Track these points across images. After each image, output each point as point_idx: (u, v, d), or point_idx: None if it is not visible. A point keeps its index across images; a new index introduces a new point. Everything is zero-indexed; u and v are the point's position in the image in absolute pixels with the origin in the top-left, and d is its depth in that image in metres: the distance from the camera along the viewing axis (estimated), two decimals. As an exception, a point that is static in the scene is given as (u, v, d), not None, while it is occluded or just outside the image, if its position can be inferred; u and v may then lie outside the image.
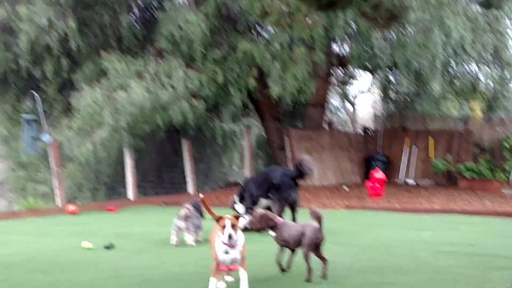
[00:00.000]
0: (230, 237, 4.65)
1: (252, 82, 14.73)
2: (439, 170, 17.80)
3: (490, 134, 17.76)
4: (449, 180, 17.90)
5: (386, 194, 14.94)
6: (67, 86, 15.00)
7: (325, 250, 7.00)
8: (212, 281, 4.75)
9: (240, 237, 4.81)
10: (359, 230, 9.38)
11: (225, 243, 4.71)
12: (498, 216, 11.11)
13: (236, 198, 9.50)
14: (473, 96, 19.96)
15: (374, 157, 18.99)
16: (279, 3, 10.27)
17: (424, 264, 6.31)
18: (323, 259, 5.53)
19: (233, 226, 4.70)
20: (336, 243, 7.63)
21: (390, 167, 19.08)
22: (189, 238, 7.70)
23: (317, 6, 7.92)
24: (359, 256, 6.80)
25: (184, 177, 15.37)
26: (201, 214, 8.25)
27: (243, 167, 17.43)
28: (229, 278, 5.29)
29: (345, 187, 16.99)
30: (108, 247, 7.70)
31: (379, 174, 14.52)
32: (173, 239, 7.77)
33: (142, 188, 15.02)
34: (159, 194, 14.84)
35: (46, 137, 13.04)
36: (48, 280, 5.75)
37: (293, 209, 9.22)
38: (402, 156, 19.12)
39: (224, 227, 4.68)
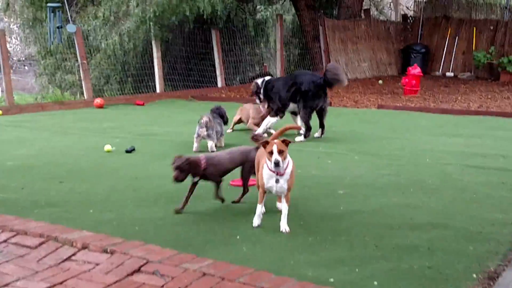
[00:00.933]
0: (277, 164, 4.33)
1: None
2: (481, 63, 17.26)
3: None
4: (490, 74, 17.40)
5: (423, 90, 14.64)
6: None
7: (350, 161, 7.10)
8: (258, 208, 4.60)
9: (289, 165, 4.48)
10: (388, 135, 9.14)
11: (272, 170, 4.40)
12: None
13: (259, 85, 9.18)
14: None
15: (412, 47, 18.47)
16: None
17: (451, 180, 6.13)
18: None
19: (281, 152, 4.35)
20: (362, 152, 7.60)
21: (429, 58, 18.62)
22: (211, 145, 7.71)
23: None
24: (383, 171, 6.60)
25: (213, 70, 15.21)
26: (224, 121, 8.24)
27: (275, 58, 17.10)
28: (279, 206, 4.85)
29: (380, 81, 16.68)
30: (129, 150, 7.75)
31: (416, 70, 14.10)
32: (195, 145, 7.79)
33: (171, 81, 14.93)
34: (187, 88, 14.78)
35: (70, 27, 12.86)
36: (65, 189, 5.76)
37: (321, 115, 9.03)
38: (444, 47, 18.55)
39: (271, 153, 4.33)
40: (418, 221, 4.79)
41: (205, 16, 13.78)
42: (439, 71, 18.45)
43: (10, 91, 11.97)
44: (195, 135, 7.75)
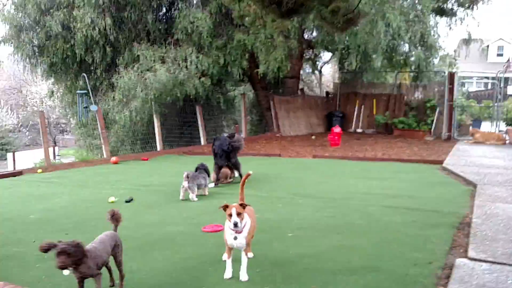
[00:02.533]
0: (235, 225, 3.40)
1: (245, 63, 13.35)
2: (380, 123, 16.63)
3: (417, 97, 16.48)
4: (386, 130, 16.77)
5: (343, 142, 13.80)
6: (111, 69, 13.60)
7: (296, 204, 6.10)
8: (228, 263, 3.60)
9: (246, 224, 3.51)
10: (323, 180, 8.08)
11: (232, 229, 3.44)
12: (426, 163, 9.98)
13: None
14: (404, 69, 18.65)
15: (333, 113, 17.79)
16: (254, 8, 8.71)
17: (374, 221, 5.15)
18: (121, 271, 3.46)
19: (239, 214, 3.41)
20: (305, 196, 6.57)
21: (345, 120, 17.96)
22: (191, 196, 6.60)
23: (279, 14, 6.40)
24: (322, 213, 5.56)
25: (198, 133, 14.18)
26: (207, 174, 7.18)
27: (240, 123, 16.18)
28: (250, 255, 3.89)
29: (313, 137, 15.86)
30: (128, 201, 6.61)
31: (337, 129, 13.32)
32: (181, 194, 6.68)
33: (168, 142, 13.84)
34: (180, 146, 13.68)
35: (93, 107, 11.77)
36: (74, 235, 4.64)
37: (235, 168, 8.13)
38: (354, 112, 17.92)
39: (230, 215, 3.42)
40: (354, 265, 3.79)
41: (191, 96, 12.86)
42: (352, 129, 17.77)
43: (48, 155, 10.74)
44: (181, 186, 6.67)
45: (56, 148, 32.75)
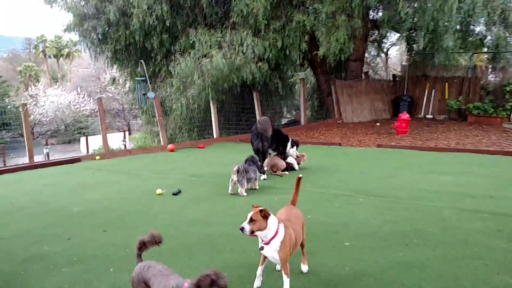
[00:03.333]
0: (241, 229, 2.86)
1: (304, 46, 12.45)
2: (452, 108, 15.05)
3: (494, 80, 14.67)
4: (460, 116, 15.15)
5: (411, 129, 12.58)
6: (169, 55, 13.35)
7: (355, 204, 5.30)
8: (258, 270, 3.11)
9: (276, 236, 2.91)
10: (387, 173, 7.14)
11: (247, 234, 2.87)
12: (507, 155, 8.67)
13: None
14: (479, 49, 16.72)
15: (400, 98, 16.41)
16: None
17: (450, 229, 4.26)
18: None
19: (252, 221, 2.86)
20: (366, 193, 5.74)
21: (413, 105, 16.51)
22: (240, 190, 6.06)
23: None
24: (386, 216, 4.75)
25: (255, 120, 13.59)
26: (258, 168, 6.61)
27: (300, 109, 15.37)
28: (304, 268, 3.37)
29: (377, 123, 14.71)
30: (176, 193, 6.22)
31: (405, 116, 12.11)
32: (230, 188, 6.16)
33: (225, 129, 13.46)
34: (237, 133, 13.23)
35: (151, 94, 11.58)
36: (104, 240, 4.30)
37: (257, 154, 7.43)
38: (424, 97, 16.42)
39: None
40: (427, 291, 2.99)
41: (248, 82, 12.29)
42: (421, 114, 16.29)
43: (106, 141, 10.71)
44: (230, 180, 6.16)
45: (126, 133, 33.85)
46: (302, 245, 3.33)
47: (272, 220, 2.96)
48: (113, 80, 15.64)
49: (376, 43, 19.21)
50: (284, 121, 16.92)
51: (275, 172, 7.55)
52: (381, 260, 3.54)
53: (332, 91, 15.59)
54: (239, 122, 13.62)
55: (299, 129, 14.22)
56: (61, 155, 24.83)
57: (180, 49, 12.53)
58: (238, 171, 6.06)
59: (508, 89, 13.34)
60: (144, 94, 12.08)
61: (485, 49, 15.73)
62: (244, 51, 11.64)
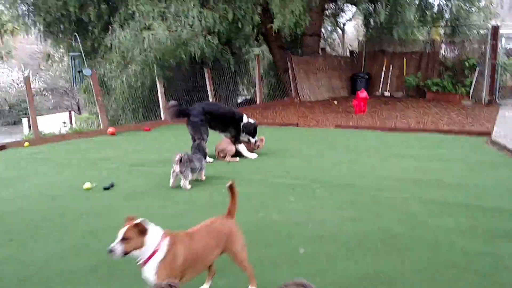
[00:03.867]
0: (110, 252, 2.24)
1: (257, 18, 11.65)
2: (411, 85, 14.86)
3: (452, 55, 14.54)
4: (418, 93, 15.01)
5: (369, 107, 12.23)
6: (108, 28, 12.14)
7: (312, 198, 4.46)
8: None
9: (155, 255, 2.29)
10: (346, 158, 6.67)
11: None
12: (470, 135, 8.43)
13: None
14: (438, 23, 16.58)
15: (358, 75, 16.07)
16: None
17: (419, 227, 3.75)
18: None
19: (125, 239, 2.24)
20: (324, 183, 5.18)
21: (371, 83, 16.23)
22: (184, 182, 5.35)
23: None
24: (346, 212, 4.19)
25: (208, 99, 12.79)
26: (204, 156, 5.91)
27: (254, 87, 14.65)
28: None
29: (335, 102, 14.30)
30: (107, 188, 5.42)
31: (363, 93, 11.71)
32: (171, 181, 5.43)
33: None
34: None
35: (87, 71, 10.48)
36: (6, 254, 3.47)
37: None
38: (381, 74, 16.16)
39: None
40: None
41: (196, 58, 11.40)
42: (379, 92, 16.05)
43: (36, 126, 9.59)
44: (171, 171, 5.42)
45: (73, 113, 31.90)
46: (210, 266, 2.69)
47: (152, 235, 2.31)
48: (48, 56, 14.20)
49: (332, 17, 18.70)
50: (240, 99, 16.14)
51: (223, 157, 6.89)
52: (341, 273, 2.98)
53: (288, 68, 14.97)
54: (190, 102, 12.74)
55: (254, 108, 13.55)
56: (3, 138, 22.96)
57: (119, 20, 11.37)
58: (180, 160, 5.34)
59: (467, 64, 13.22)
60: (79, 71, 10.93)
61: (444, 22, 15.60)
62: (191, 23, 10.71)
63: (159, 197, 5.00)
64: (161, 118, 11.65)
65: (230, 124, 7.09)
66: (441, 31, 16.45)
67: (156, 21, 10.54)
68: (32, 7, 13.22)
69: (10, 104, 34.57)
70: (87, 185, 5.47)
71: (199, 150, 5.95)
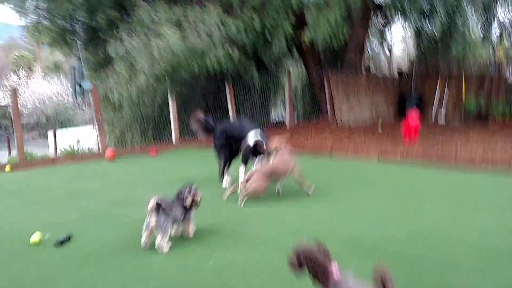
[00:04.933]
0: None
1: (289, 29, 10.26)
2: (471, 112, 12.97)
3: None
4: (479, 122, 13.09)
5: (421, 139, 10.48)
6: (117, 35, 11.14)
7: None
8: None
9: None
10: (397, 206, 5.04)
11: None
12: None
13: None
14: (501, 42, 14.69)
15: (407, 98, 14.35)
16: None
17: None
18: None
19: None
20: (365, 250, 3.66)
21: (423, 108, 14.45)
22: (159, 243, 3.91)
23: None
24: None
25: (229, 119, 11.46)
26: (182, 203, 4.22)
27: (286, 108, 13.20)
28: None
29: (379, 128, 12.62)
30: (62, 241, 4.10)
31: (414, 121, 10.02)
32: (143, 240, 4.01)
33: (190, 131, 11.32)
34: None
35: (86, 84, 9.42)
36: None
37: None
38: (435, 98, 14.36)
39: None
40: None
41: (215, 72, 10.14)
42: (431, 119, 14.23)
43: (21, 147, 8.50)
44: (144, 226, 4.00)
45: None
46: None
47: None
48: (55, 65, 13.38)
49: (379, 33, 17.11)
50: (273, 120, 14.66)
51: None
52: None
53: (325, 86, 13.49)
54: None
55: (283, 131, 12.08)
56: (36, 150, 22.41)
57: (130, 28, 10.32)
58: (157, 208, 3.94)
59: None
60: (79, 84, 9.88)
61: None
62: (209, 32, 9.47)
63: (121, 262, 3.60)
64: (172, 141, 10.39)
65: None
66: (502, 51, 14.52)
67: (170, 29, 9.37)
68: (44, 12, 12.48)
69: (46, 116, 34.89)
70: (36, 237, 4.16)
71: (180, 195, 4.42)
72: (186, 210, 4.20)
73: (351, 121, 13.46)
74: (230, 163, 6.33)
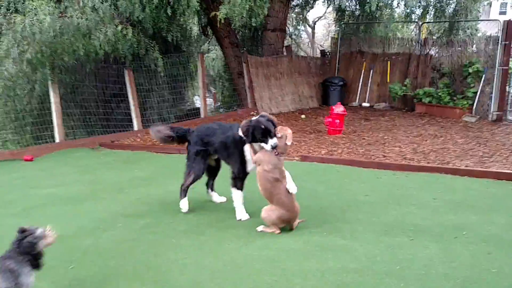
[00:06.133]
0: None
1: (195, 3, 8.64)
2: (397, 95, 12.29)
3: (451, 58, 12.01)
4: (405, 105, 12.48)
5: (346, 124, 9.50)
6: None
7: None
8: None
9: None
10: (317, 225, 3.87)
11: None
12: (497, 179, 5.78)
13: None
14: (425, 18, 14.23)
15: (331, 81, 13.39)
16: None
17: None
18: None
19: None
20: None
21: (346, 91, 13.62)
22: None
23: None
24: None
25: (129, 112, 9.72)
26: (34, 259, 2.72)
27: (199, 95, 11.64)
28: None
29: (302, 116, 11.53)
30: None
31: (338, 108, 8.96)
32: None
33: (84, 127, 9.46)
34: (96, 134, 9.24)
35: None
36: None
37: None
38: (359, 80, 13.57)
39: None
40: None
41: (103, 56, 8.36)
42: (356, 102, 13.45)
43: None
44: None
45: None
46: None
47: None
48: None
49: (300, 9, 16.02)
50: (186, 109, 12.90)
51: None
52: None
53: (243, 71, 12.13)
54: (106, 117, 9.64)
55: (197, 123, 10.57)
56: None
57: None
58: None
59: (470, 70, 10.73)
60: None
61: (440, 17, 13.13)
62: (95, 5, 7.64)
63: None
64: (53, 140, 8.50)
65: None
66: (434, 28, 14.02)
67: (41, 1, 7.39)
68: None
69: None
70: None
71: (24, 248, 2.83)
72: (17, 275, 2.61)
73: (273, 109, 12.25)
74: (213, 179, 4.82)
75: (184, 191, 4.49)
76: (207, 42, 14.02)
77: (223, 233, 3.97)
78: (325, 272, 3.18)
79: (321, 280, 3.07)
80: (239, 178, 4.27)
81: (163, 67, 9.19)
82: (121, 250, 3.64)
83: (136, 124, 9.64)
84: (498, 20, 11.04)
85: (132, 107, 9.60)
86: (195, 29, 12.98)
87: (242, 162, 4.23)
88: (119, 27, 7.84)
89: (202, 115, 11.05)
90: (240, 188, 4.29)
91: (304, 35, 22.02)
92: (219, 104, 14.95)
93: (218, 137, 4.38)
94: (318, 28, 25.58)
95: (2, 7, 7.60)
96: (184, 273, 3.23)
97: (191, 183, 4.49)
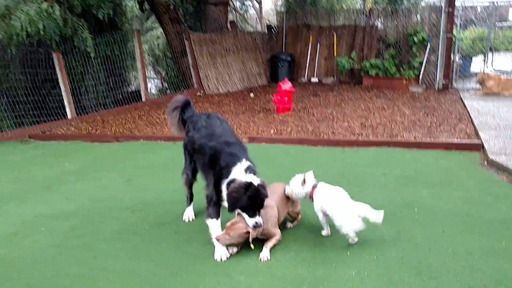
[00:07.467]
0: None
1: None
2: (344, 68, 12.18)
3: (396, 28, 11.98)
4: (352, 78, 12.41)
5: (294, 103, 9.25)
6: None
7: None
8: None
9: None
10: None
11: None
12: (447, 149, 5.74)
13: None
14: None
15: (279, 57, 13.08)
16: None
17: None
18: None
19: None
20: None
21: (294, 66, 13.38)
22: None
23: None
24: None
25: (61, 99, 8.98)
26: None
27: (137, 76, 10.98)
28: None
29: (251, 94, 11.18)
30: None
31: (286, 84, 8.66)
32: None
33: (11, 118, 8.62)
34: (23, 125, 8.46)
35: None
36: None
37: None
38: (307, 54, 13.33)
39: None
40: None
41: (25, 38, 7.58)
42: (304, 78, 13.25)
43: None
44: None
45: None
46: None
47: None
48: None
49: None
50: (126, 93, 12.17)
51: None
52: None
53: (186, 49, 11.57)
54: (40, 105, 8.86)
55: (138, 108, 10.01)
56: None
57: None
58: None
59: (415, 40, 10.72)
60: None
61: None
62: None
63: None
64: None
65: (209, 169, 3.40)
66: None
67: None
68: None
69: None
70: None
71: None
72: None
73: (221, 89, 11.83)
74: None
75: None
76: (149, 18, 13.26)
77: (160, 231, 3.62)
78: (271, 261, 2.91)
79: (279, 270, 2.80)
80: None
81: (93, 48, 8.47)
82: (41, 260, 3.21)
83: (69, 111, 8.94)
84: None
85: (64, 93, 8.88)
86: (131, 5, 12.18)
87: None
88: (44, 5, 7.08)
89: (143, 99, 10.46)
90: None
91: (252, 11, 21.49)
92: (166, 85, 14.29)
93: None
94: (267, 2, 25.09)
95: None
96: (113, 282, 2.86)
97: None
